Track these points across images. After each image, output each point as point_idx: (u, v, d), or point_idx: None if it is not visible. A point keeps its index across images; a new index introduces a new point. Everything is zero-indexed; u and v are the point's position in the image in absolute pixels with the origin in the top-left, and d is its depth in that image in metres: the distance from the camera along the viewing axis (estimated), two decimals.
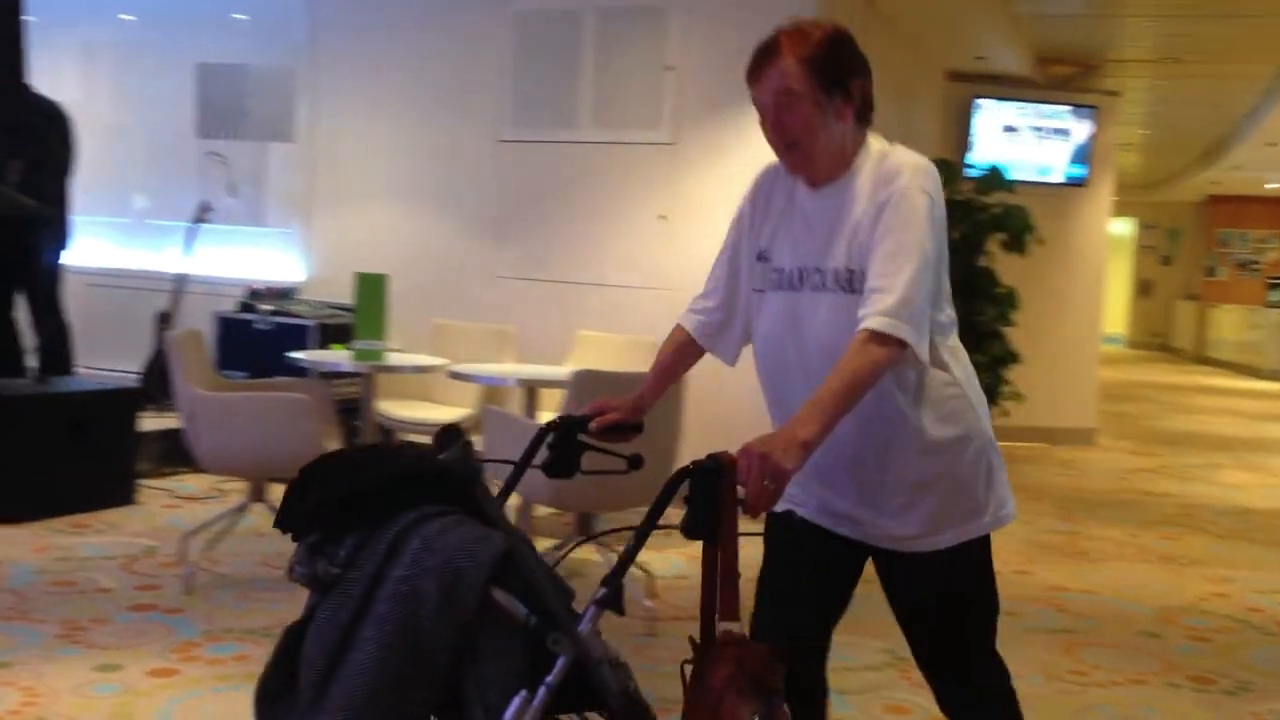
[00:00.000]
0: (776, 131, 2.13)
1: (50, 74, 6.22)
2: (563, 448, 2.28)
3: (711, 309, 2.33)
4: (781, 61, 2.10)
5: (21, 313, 6.06)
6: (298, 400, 4.39)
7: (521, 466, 2.23)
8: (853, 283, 2.07)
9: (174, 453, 5.73)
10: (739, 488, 1.83)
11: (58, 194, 5.85)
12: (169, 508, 5.43)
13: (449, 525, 1.84)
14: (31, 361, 5.83)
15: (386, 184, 7.08)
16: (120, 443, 5.44)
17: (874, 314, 1.98)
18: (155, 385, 6.41)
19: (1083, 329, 9.50)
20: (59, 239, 5.95)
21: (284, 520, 1.93)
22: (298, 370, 5.19)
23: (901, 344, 1.97)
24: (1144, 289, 21.68)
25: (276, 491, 5.13)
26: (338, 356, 5.22)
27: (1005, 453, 2.30)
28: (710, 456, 1.85)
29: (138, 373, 6.74)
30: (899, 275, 1.99)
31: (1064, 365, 9.27)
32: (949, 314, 2.17)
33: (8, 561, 4.45)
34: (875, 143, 2.17)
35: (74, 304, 6.29)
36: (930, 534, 2.17)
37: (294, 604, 3.98)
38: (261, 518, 4.67)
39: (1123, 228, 20.26)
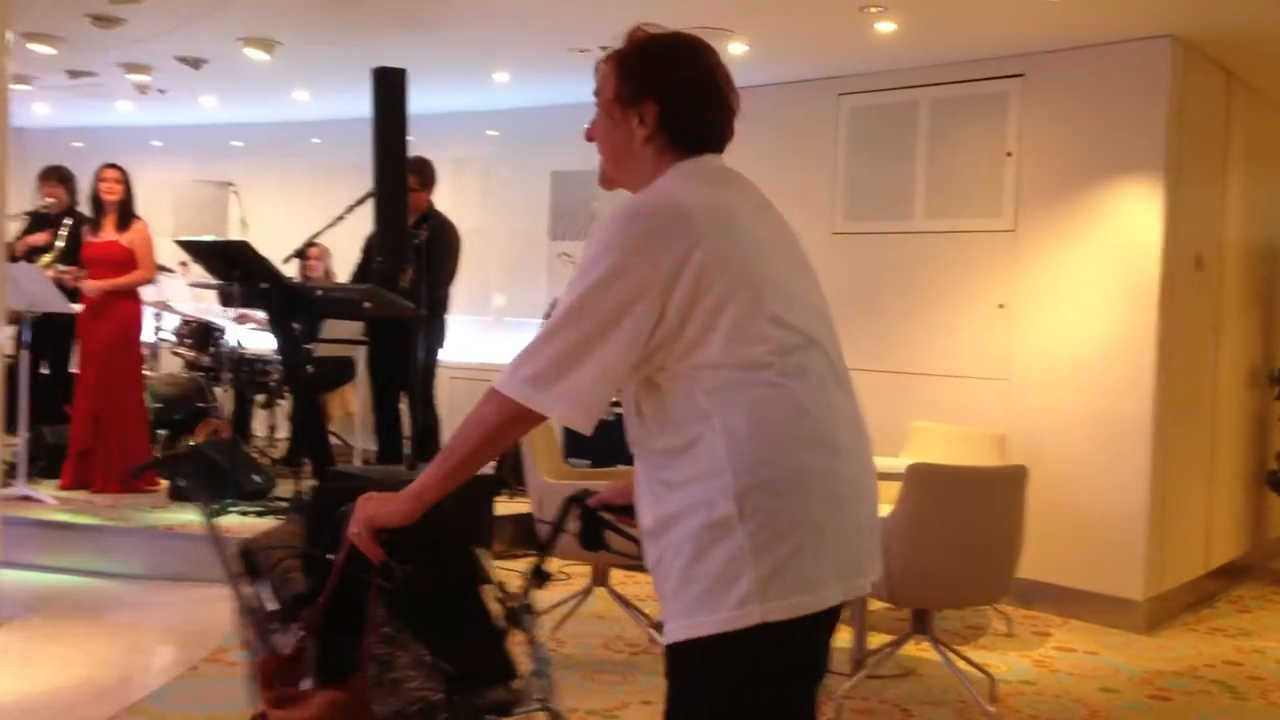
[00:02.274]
0: (587, 136, 2.02)
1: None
2: (585, 522, 2.33)
3: None
4: (606, 62, 1.98)
5: (402, 404, 6.66)
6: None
7: (555, 531, 2.40)
8: None
9: (524, 536, 6.08)
10: None
11: (438, 298, 6.43)
12: (519, 589, 5.74)
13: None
14: (407, 449, 6.39)
15: None
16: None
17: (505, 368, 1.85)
18: (508, 472, 6.84)
19: None
20: (436, 339, 6.52)
21: None
22: None
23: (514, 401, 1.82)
24: None
25: (618, 576, 5.34)
26: None
27: None
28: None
29: (493, 460, 7.22)
30: (541, 331, 1.84)
31: None
32: (693, 362, 1.82)
33: None
34: (664, 179, 1.94)
35: (441, 396, 6.84)
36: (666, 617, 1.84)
37: (634, 687, 4.10)
38: (604, 602, 4.87)
39: None
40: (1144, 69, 5.65)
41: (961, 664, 4.39)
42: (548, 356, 1.81)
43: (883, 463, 4.99)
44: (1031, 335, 5.99)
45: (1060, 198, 5.93)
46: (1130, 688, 4.64)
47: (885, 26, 5.68)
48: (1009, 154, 6.09)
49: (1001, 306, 6.10)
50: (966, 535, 4.17)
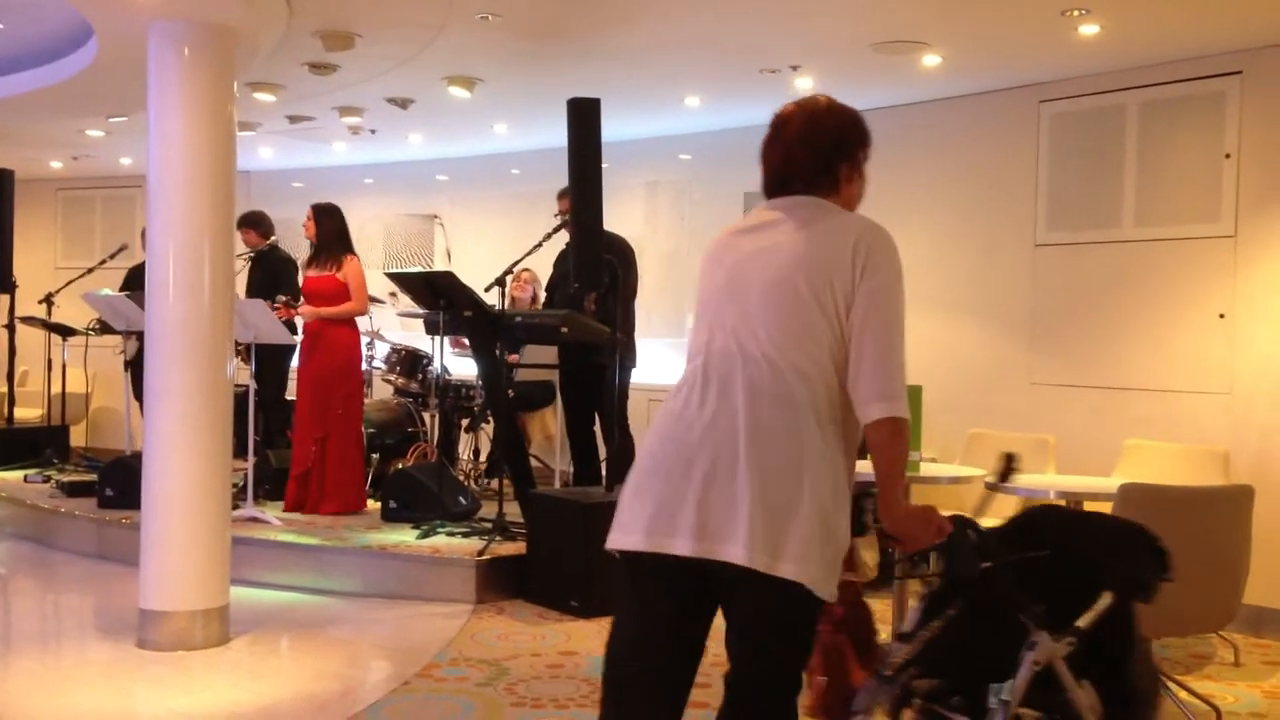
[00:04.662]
0: None
1: (620, 210, 7.02)
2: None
3: None
4: None
5: (598, 426, 6.78)
6: None
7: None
8: None
9: None
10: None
11: (625, 320, 6.53)
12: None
13: None
14: (604, 470, 6.50)
15: (919, 295, 7.06)
16: None
17: None
18: None
19: None
20: (627, 360, 6.62)
21: None
22: None
23: None
24: None
25: None
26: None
27: None
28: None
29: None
30: None
31: None
32: None
33: (583, 652, 4.94)
34: None
35: (637, 418, 6.93)
36: None
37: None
38: None
39: None
40: None
41: (1184, 695, 4.16)
42: None
43: (1093, 482, 4.79)
44: (1256, 346, 5.64)
45: None
46: None
47: (1088, 29, 5.47)
48: (1227, 156, 5.77)
49: (1222, 316, 5.77)
50: (1186, 559, 3.92)
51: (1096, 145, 6.28)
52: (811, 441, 2.23)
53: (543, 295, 7.80)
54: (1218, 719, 4.11)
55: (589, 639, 5.11)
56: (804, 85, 6.80)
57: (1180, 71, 5.94)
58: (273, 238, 7.68)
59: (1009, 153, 6.68)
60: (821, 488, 2.22)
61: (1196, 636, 5.17)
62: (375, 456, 7.50)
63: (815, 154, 2.42)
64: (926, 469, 5.14)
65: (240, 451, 6.33)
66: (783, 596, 2.22)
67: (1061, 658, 2.29)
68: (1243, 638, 5.22)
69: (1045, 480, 5.13)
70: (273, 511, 6.62)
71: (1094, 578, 2.38)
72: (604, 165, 6.15)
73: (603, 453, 6.71)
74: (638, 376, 6.84)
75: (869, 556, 4.70)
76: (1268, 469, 5.39)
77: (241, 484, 6.55)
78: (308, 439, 6.78)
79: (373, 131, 8.56)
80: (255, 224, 7.77)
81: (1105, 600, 2.36)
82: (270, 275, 7.49)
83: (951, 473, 5.25)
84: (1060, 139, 6.47)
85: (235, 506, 5.89)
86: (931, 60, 6.14)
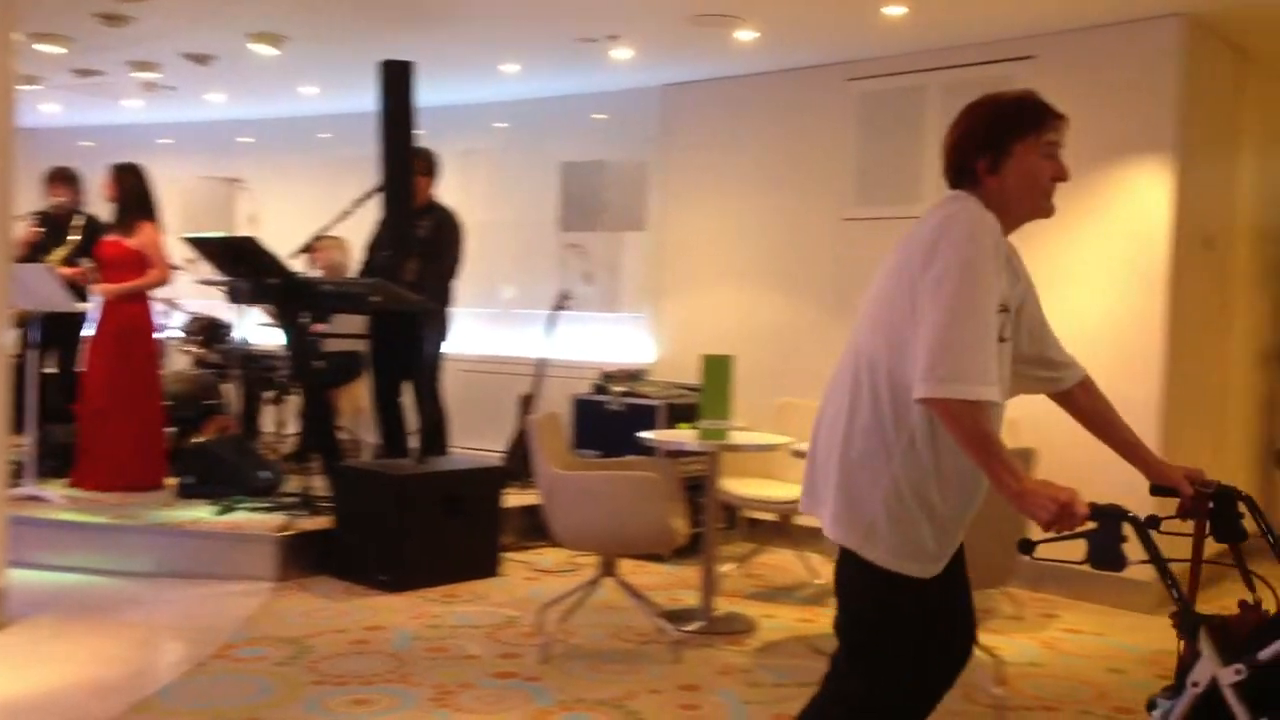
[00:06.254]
0: (1065, 174, 2.56)
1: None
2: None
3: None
4: None
5: (407, 398, 6.64)
6: (647, 479, 4.54)
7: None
8: None
9: (534, 528, 6.07)
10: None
11: (442, 291, 6.40)
12: (529, 580, 5.74)
13: None
14: (413, 442, 6.38)
15: (731, 267, 7.26)
16: (487, 518, 5.81)
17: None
18: (517, 464, 6.83)
19: None
20: (441, 332, 6.50)
21: None
22: (647, 449, 5.36)
23: None
24: None
25: (627, 567, 5.32)
26: (684, 436, 5.36)
27: None
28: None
29: (502, 452, 7.20)
30: None
31: None
32: None
33: (391, 627, 4.84)
34: None
35: (449, 388, 6.82)
36: None
37: (643, 677, 4.08)
38: (612, 592, 4.84)
39: None
40: (1153, 48, 5.59)
41: None
42: None
43: None
44: (1048, 315, 5.93)
45: (1069, 180, 5.85)
46: (1137, 668, 4.61)
47: (894, 10, 5.63)
48: None
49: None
50: (972, 519, 4.12)
51: (900, 124, 6.48)
52: (854, 420, 2.41)
53: (345, 261, 7.59)
54: (998, 669, 4.30)
55: (396, 614, 5.01)
56: (621, 56, 6.79)
57: (978, 55, 6.17)
58: (60, 199, 7.19)
59: (820, 129, 6.83)
60: (856, 464, 2.37)
61: (978, 591, 5.43)
62: (172, 430, 7.16)
63: (956, 150, 2.58)
64: (739, 437, 5.24)
65: (19, 426, 5.94)
66: (842, 553, 2.42)
67: (1229, 685, 2.18)
68: (1024, 592, 5.53)
69: None
70: (55, 489, 6.24)
71: None
72: (418, 131, 6.00)
73: (413, 424, 6.58)
74: (452, 348, 6.74)
75: (678, 524, 4.75)
76: (1049, 434, 5.63)
77: (21, 460, 6.15)
78: (91, 411, 6.41)
79: (172, 89, 8.13)
80: (69, 180, 7.23)
81: None
82: (92, 241, 6.95)
83: (759, 440, 5.35)
84: (867, 117, 6.65)
85: (13, 484, 5.52)
86: (746, 35, 6.21)
